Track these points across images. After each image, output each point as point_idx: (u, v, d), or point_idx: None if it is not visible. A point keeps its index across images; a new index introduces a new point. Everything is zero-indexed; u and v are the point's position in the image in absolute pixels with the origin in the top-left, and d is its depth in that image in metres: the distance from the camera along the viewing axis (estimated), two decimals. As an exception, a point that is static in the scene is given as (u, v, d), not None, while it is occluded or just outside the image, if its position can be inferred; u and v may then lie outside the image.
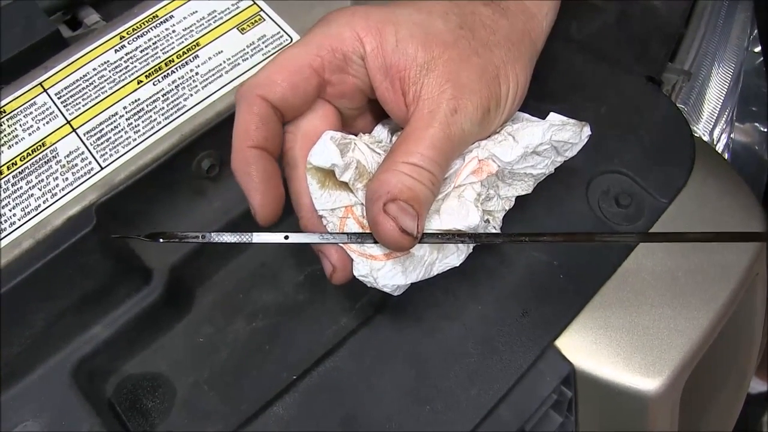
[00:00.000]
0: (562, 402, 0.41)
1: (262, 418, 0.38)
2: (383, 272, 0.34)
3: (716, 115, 0.56)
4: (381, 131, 0.38)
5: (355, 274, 0.35)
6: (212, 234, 0.32)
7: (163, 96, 0.42)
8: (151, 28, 0.44)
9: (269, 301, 0.44)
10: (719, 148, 0.57)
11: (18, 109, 0.41)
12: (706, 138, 0.57)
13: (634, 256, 0.42)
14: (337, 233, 0.34)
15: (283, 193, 0.33)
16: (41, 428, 0.37)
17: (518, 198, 0.39)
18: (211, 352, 0.42)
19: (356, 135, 0.37)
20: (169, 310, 0.42)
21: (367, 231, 0.33)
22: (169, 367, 0.42)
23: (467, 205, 0.34)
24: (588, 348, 0.40)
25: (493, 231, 0.37)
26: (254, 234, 0.32)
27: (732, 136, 0.57)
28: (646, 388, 0.39)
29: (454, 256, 0.36)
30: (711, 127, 0.57)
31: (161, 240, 0.32)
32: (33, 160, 0.40)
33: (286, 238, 0.32)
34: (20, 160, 0.40)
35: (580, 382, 0.40)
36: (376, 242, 0.33)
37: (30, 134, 0.41)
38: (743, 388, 0.55)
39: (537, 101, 0.39)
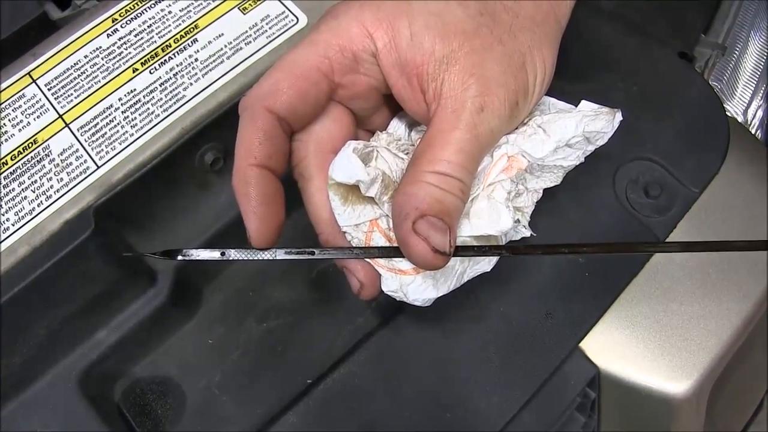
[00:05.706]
0: (585, 403, 0.40)
1: (277, 426, 0.37)
2: (413, 287, 0.32)
3: (752, 90, 0.53)
4: (398, 126, 0.36)
5: (384, 289, 0.33)
6: (233, 251, 0.30)
7: (160, 86, 0.39)
8: (145, 9, 0.40)
9: (281, 300, 0.42)
10: (754, 126, 0.54)
11: (6, 102, 0.38)
12: (740, 118, 0.54)
13: (663, 251, 0.40)
14: (364, 247, 0.32)
15: (283, 218, 0.31)
16: (49, 439, 0.36)
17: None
18: (222, 354, 0.41)
19: (373, 134, 0.35)
20: (176, 312, 0.41)
21: (394, 244, 0.31)
22: (178, 370, 0.40)
23: (498, 208, 0.32)
24: (614, 349, 0.39)
25: (523, 230, 0.35)
26: (278, 250, 0.30)
27: (768, 111, 0.54)
28: (672, 392, 0.38)
29: (485, 261, 0.34)
30: (746, 104, 0.53)
31: (178, 258, 0.30)
32: (25, 159, 0.37)
33: (312, 254, 0.30)
34: (11, 159, 0.37)
35: (604, 384, 0.39)
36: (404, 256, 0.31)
37: (20, 130, 0.38)
38: None
39: (562, 80, 0.36)
